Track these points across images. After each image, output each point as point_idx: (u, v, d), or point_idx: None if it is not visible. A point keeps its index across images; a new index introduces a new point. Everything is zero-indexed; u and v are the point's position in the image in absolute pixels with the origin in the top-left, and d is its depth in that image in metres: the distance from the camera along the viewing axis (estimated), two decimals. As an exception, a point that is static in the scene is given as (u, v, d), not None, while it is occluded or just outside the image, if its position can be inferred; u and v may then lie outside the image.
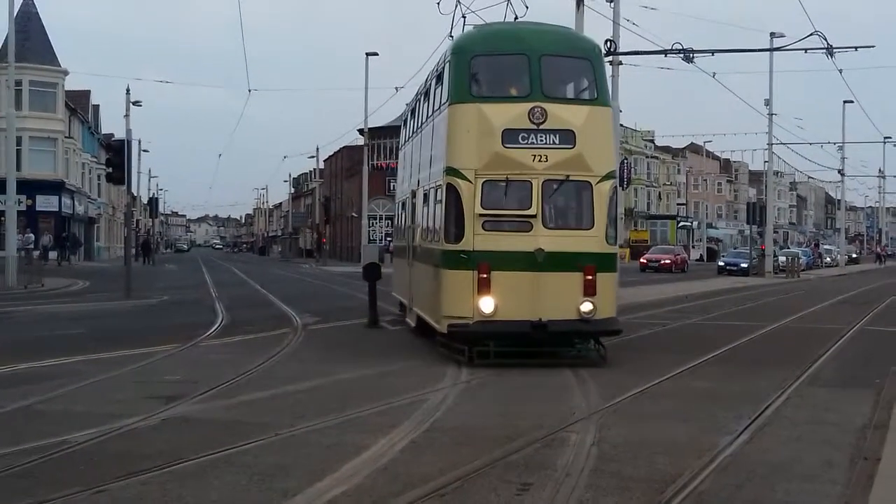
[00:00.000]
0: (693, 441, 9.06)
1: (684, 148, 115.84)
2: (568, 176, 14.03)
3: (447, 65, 14.87)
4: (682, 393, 12.05)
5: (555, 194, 14.15)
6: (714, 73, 38.01)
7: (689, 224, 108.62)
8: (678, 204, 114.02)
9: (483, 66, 14.72)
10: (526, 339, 14.03)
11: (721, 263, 61.13)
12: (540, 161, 13.93)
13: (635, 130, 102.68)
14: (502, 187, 14.03)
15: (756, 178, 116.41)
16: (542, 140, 13.95)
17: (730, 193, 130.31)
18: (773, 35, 45.69)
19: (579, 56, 14.88)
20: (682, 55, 28.88)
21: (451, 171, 14.19)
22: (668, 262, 62.14)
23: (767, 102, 56.48)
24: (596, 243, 14.05)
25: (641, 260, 64.74)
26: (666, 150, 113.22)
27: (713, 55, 30.45)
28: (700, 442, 9.02)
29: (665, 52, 29.06)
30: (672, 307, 27.16)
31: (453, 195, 14.13)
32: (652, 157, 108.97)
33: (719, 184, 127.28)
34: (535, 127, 13.94)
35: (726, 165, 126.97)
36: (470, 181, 13.99)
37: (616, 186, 14.61)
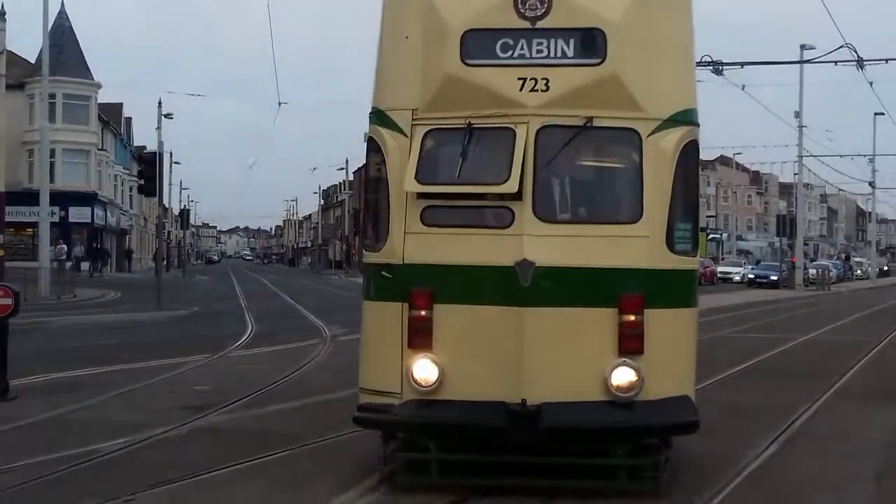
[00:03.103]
0: (719, 455, 9.04)
1: (714, 160, 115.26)
2: (590, 119, 7.44)
3: None
4: (708, 406, 11.89)
5: (562, 155, 7.53)
6: (743, 86, 37.99)
7: (718, 236, 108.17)
8: (708, 216, 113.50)
9: None
10: (498, 439, 7.32)
11: (751, 276, 60.99)
12: (534, 90, 7.45)
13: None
14: (460, 142, 7.52)
15: (786, 190, 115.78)
16: (539, 50, 7.47)
17: (760, 206, 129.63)
18: (803, 47, 45.77)
19: None
20: (711, 67, 28.91)
21: (374, 116, 8.01)
22: (697, 274, 61.98)
23: (797, 115, 56.51)
24: (645, 250, 7.43)
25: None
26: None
27: (742, 67, 30.50)
28: (727, 456, 9.00)
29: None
30: (702, 319, 27.04)
31: (374, 160, 7.98)
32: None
33: (749, 196, 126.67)
34: (526, 25, 7.48)
35: (756, 178, 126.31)
36: (403, 132, 7.70)
37: (695, 143, 7.82)
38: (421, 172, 7.51)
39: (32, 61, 54.22)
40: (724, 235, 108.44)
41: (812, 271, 61.24)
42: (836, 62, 31.35)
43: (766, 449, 9.39)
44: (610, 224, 7.59)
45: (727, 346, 19.82)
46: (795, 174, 64.83)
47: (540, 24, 7.46)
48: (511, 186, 7.24)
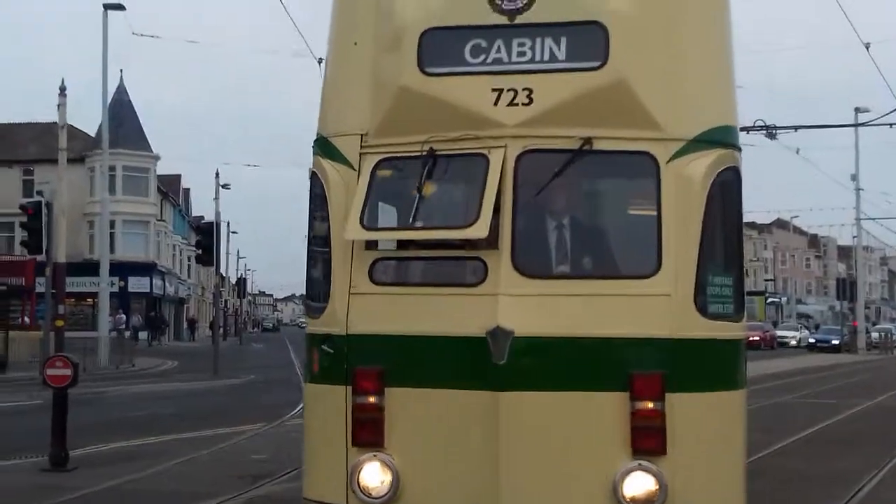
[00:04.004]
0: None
1: (770, 223, 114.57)
2: (588, 141, 5.66)
3: None
4: (772, 473, 11.79)
5: (550, 189, 5.79)
6: (798, 149, 37.88)
7: (777, 300, 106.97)
8: (766, 280, 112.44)
9: None
10: None
11: (811, 340, 60.40)
12: (513, 104, 5.69)
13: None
14: (418, 175, 5.79)
15: (845, 253, 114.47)
16: (520, 52, 5.74)
17: (819, 269, 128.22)
18: (857, 110, 45.47)
19: None
20: (764, 132, 28.77)
21: (317, 146, 6.35)
22: (756, 338, 61.28)
23: (854, 177, 56.02)
24: (665, 313, 5.53)
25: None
26: (751, 225, 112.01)
27: (796, 131, 30.29)
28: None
29: (748, 130, 28.96)
30: (761, 385, 26.64)
31: (314, 201, 6.35)
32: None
33: (807, 259, 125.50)
34: (503, 20, 5.79)
35: (814, 241, 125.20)
36: (349, 164, 6.02)
37: (734, 171, 5.88)
38: (369, 215, 5.83)
39: (93, 135, 55.47)
40: (784, 299, 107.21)
41: (875, 335, 60.43)
42: (891, 125, 31.11)
43: (833, 518, 9.18)
44: (616, 279, 5.73)
45: (789, 413, 19.51)
46: (854, 237, 64.21)
47: (521, 19, 5.75)
48: (480, 230, 5.46)
